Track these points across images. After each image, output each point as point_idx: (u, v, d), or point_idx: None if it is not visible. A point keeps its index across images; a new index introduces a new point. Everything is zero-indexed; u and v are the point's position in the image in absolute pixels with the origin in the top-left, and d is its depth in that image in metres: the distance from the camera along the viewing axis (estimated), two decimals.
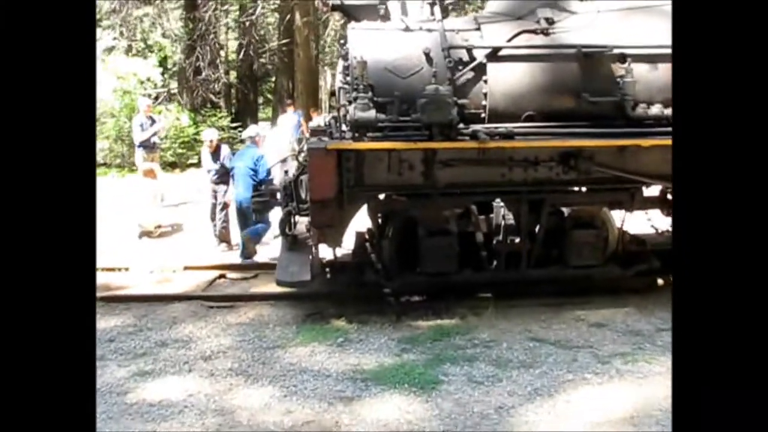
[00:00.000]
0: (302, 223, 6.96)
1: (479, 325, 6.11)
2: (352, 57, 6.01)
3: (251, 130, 9.24)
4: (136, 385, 4.91)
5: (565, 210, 6.58)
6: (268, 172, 8.50)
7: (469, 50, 6.23)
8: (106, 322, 6.45)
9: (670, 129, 5.89)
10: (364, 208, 6.51)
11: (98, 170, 16.79)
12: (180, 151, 17.03)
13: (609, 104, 6.22)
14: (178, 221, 11.27)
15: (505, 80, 6.22)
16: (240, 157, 8.79)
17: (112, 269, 8.32)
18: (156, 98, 17.64)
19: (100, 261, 8.47)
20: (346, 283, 7.20)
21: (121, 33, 18.03)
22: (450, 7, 7.21)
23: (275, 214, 7.51)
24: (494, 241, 6.48)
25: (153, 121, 13.25)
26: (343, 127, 6.12)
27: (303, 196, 6.41)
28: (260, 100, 26.86)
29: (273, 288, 6.92)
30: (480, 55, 6.20)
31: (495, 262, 6.58)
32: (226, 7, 20.23)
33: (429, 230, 6.35)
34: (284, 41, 20.54)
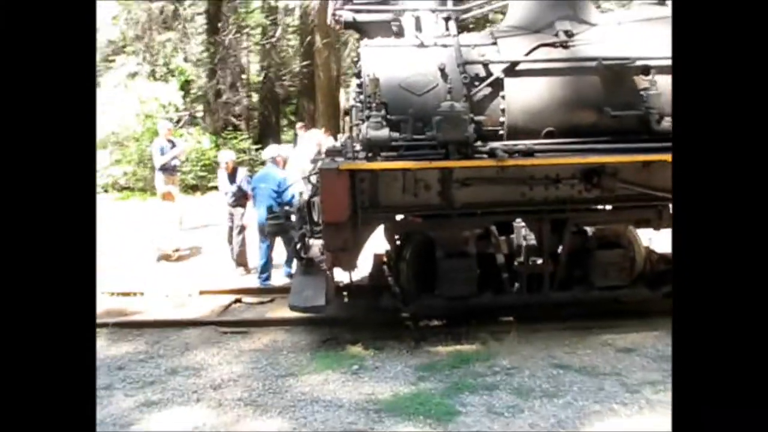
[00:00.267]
0: (317, 245, 6.78)
1: (500, 351, 5.85)
2: (365, 74, 5.86)
3: (272, 150, 9.08)
4: (140, 416, 4.73)
5: (589, 229, 6.34)
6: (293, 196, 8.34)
7: (485, 65, 6.05)
8: (117, 349, 6.32)
9: None
10: (380, 230, 6.32)
11: (120, 194, 16.89)
12: (201, 174, 16.99)
13: (633, 118, 5.97)
14: (197, 245, 11.16)
15: (523, 95, 6.02)
16: (263, 178, 8.59)
17: (128, 294, 8.21)
18: (178, 122, 17.69)
19: (117, 285, 8.44)
20: (363, 308, 7.02)
21: (144, 58, 18.17)
22: (470, 24, 7.03)
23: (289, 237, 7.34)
24: (515, 263, 6.26)
25: (173, 145, 13.29)
26: (357, 147, 5.95)
27: (316, 218, 6.23)
28: (284, 122, 26.96)
29: (289, 313, 6.72)
30: (497, 70, 6.02)
31: (516, 285, 6.34)
32: (246, 30, 20.32)
33: (447, 252, 6.14)
34: (305, 63, 20.57)
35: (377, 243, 6.93)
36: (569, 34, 6.19)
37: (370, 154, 5.65)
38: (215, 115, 18.82)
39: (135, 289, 8.38)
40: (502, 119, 6.04)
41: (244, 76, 20.73)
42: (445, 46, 6.16)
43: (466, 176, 5.88)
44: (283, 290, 7.93)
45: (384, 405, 4.78)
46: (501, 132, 6.05)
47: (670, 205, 6.38)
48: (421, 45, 6.16)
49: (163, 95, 16.82)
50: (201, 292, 8.18)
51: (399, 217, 6.24)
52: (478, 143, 5.79)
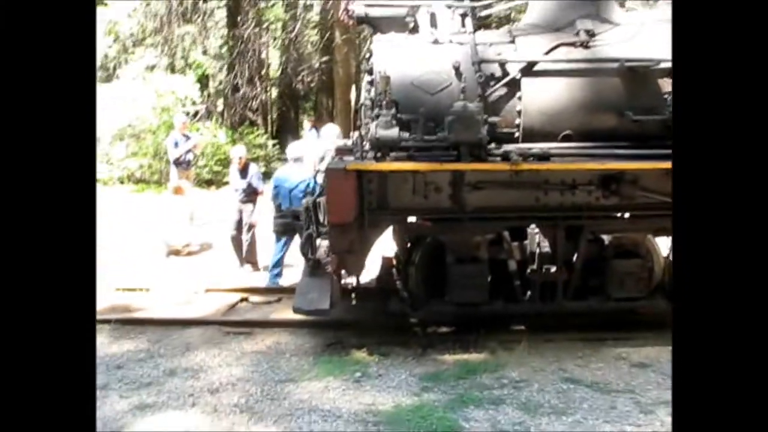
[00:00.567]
0: (324, 246, 6.60)
1: (509, 362, 5.63)
2: (376, 71, 5.66)
3: (296, 149, 8.83)
4: (133, 420, 4.58)
5: (606, 237, 6.09)
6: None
7: (502, 64, 5.82)
8: (118, 347, 6.19)
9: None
10: (389, 232, 6.12)
11: (136, 187, 16.87)
12: (216, 168, 16.92)
13: (655, 123, 5.72)
14: (208, 240, 11.04)
15: (540, 97, 5.79)
16: (288, 175, 8.23)
17: (133, 290, 8.09)
18: (194, 115, 17.64)
19: (124, 280, 8.34)
20: (370, 311, 6.83)
21: (163, 51, 18.13)
22: (492, 23, 6.79)
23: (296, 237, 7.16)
24: (528, 270, 6.02)
25: (188, 139, 13.20)
26: (366, 146, 5.75)
27: (321, 218, 6.05)
28: (302, 118, 26.90)
29: (294, 314, 6.56)
30: (514, 70, 5.79)
31: (529, 293, 6.11)
32: (266, 25, 20.21)
33: (458, 257, 5.93)
34: (324, 59, 20.42)
35: (386, 245, 6.77)
36: (591, 33, 5.94)
37: (379, 154, 5.45)
38: (232, 109, 18.73)
39: (142, 285, 8.27)
40: (517, 121, 5.82)
41: (263, 72, 20.61)
42: (460, 43, 5.94)
43: (479, 179, 5.66)
44: (291, 290, 7.74)
45: (384, 417, 4.58)
46: (516, 134, 5.83)
47: None
48: (436, 42, 5.95)
49: (180, 89, 16.77)
50: (207, 290, 8.04)
51: (410, 219, 6.05)
52: (492, 145, 5.57)
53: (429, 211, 5.82)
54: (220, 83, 20.69)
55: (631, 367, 5.56)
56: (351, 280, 6.80)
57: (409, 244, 6.25)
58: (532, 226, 5.95)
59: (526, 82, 5.78)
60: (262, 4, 20.27)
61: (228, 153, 17.12)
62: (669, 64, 5.70)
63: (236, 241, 9.22)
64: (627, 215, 6.16)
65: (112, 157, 16.69)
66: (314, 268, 6.53)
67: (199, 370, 5.58)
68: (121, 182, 16.83)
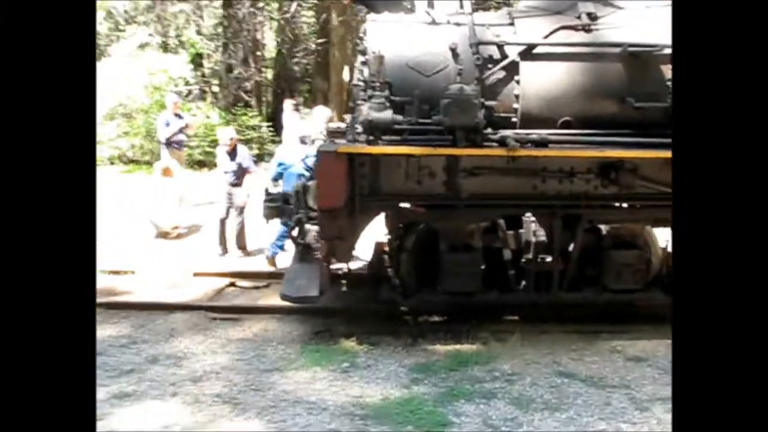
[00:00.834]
0: (314, 231, 6.42)
1: (502, 354, 5.48)
2: (370, 51, 5.46)
3: (302, 130, 8.57)
4: (110, 411, 4.40)
5: (603, 227, 5.94)
6: None
7: (500, 47, 5.62)
8: (101, 332, 5.99)
9: None
10: (381, 218, 5.95)
11: (126, 167, 16.60)
12: (208, 150, 16.62)
13: (657, 111, 5.53)
14: (198, 222, 10.82)
15: (540, 81, 5.60)
16: (293, 157, 8.01)
17: (118, 272, 7.90)
18: (187, 95, 17.34)
19: (110, 263, 8.13)
20: (360, 299, 6.68)
21: (156, 29, 17.78)
22: (492, 5, 6.55)
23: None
24: (523, 260, 5.88)
25: (180, 119, 12.94)
26: (358, 129, 5.56)
27: (311, 203, 5.85)
28: (298, 100, 26.60)
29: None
30: (513, 53, 5.59)
31: (523, 283, 5.97)
32: (262, 5, 19.82)
33: (451, 245, 5.77)
34: (320, 41, 20.10)
35: (380, 231, 6.60)
36: (593, 17, 5.74)
37: (371, 137, 5.26)
38: (226, 90, 18.41)
39: (128, 268, 8.08)
40: (515, 106, 5.62)
41: (257, 52, 20.27)
42: (457, 24, 5.74)
43: (474, 165, 5.48)
44: (280, 275, 7.56)
45: (372, 410, 4.43)
46: (514, 119, 5.63)
47: None
48: (432, 22, 5.74)
49: (172, 68, 16.45)
50: (195, 274, 7.85)
51: (402, 205, 5.86)
52: (489, 130, 5.38)
53: (422, 197, 5.65)
54: (215, 63, 20.35)
55: (627, 360, 5.43)
56: (341, 266, 6.64)
57: (401, 231, 6.07)
58: (528, 214, 5.79)
59: (525, 66, 5.59)
60: None
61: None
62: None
63: (223, 227, 8.98)
64: (625, 205, 5.98)
65: (102, 137, 16.40)
66: (303, 253, 6.34)
67: (183, 357, 5.42)
68: (111, 162, 16.52)
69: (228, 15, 18.71)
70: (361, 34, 6.19)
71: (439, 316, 6.33)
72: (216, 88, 19.60)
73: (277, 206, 6.71)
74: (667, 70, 5.58)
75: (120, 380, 4.92)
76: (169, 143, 12.49)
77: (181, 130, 12.85)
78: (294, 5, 19.33)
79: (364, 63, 5.78)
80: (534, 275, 5.91)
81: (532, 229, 5.80)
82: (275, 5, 21.24)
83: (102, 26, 17.11)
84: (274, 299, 6.93)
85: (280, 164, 8.18)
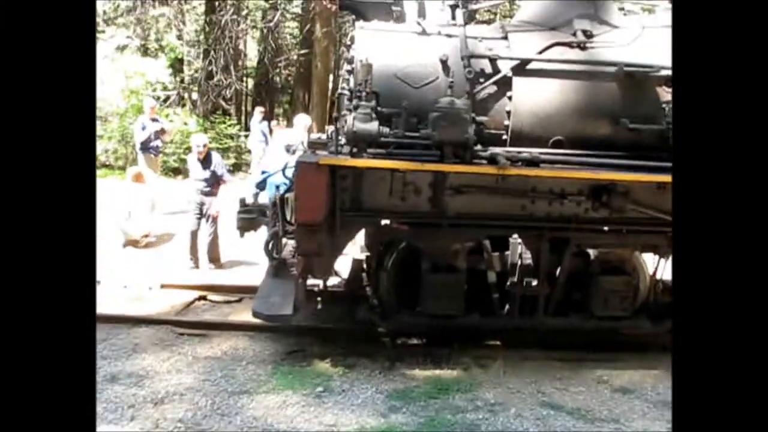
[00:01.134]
0: (291, 246, 6.13)
1: (484, 381, 5.22)
2: (357, 59, 5.21)
3: (286, 138, 8.26)
4: None
5: (592, 252, 5.73)
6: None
7: (493, 61, 5.41)
8: None
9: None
10: (360, 235, 5.67)
11: (99, 172, 16.12)
12: (184, 156, 16.21)
13: (652, 133, 5.36)
14: (170, 231, 10.44)
15: (532, 98, 5.39)
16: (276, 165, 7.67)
17: None
18: (165, 101, 16.97)
19: None
20: (336, 318, 6.38)
21: (135, 32, 17.41)
22: (489, 19, 6.34)
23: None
24: (508, 283, 5.65)
25: (157, 123, 12.58)
26: (341, 140, 5.29)
27: (289, 216, 5.57)
28: (278, 110, 26.30)
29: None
30: (505, 68, 5.38)
31: (507, 307, 5.73)
32: (245, 12, 19.58)
33: (434, 265, 5.51)
34: (303, 51, 19.89)
35: (357, 246, 6.32)
36: (588, 34, 5.56)
37: (355, 150, 4.99)
38: (205, 97, 18.07)
39: None
40: (506, 122, 5.41)
41: (239, 60, 19.99)
42: (449, 36, 5.52)
43: (462, 183, 5.24)
44: (252, 290, 7.26)
45: None
46: (504, 137, 5.41)
47: None
48: (423, 32, 5.52)
49: (150, 72, 16.09)
50: (163, 286, 7.50)
51: (384, 222, 5.60)
52: (478, 147, 5.15)
53: (406, 215, 5.38)
54: (196, 71, 20.02)
55: (614, 392, 5.20)
56: (317, 283, 6.34)
57: (381, 248, 5.80)
58: (515, 235, 5.57)
59: (518, 82, 5.38)
60: None
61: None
62: (669, 72, 5.35)
63: (194, 238, 8.61)
64: (617, 229, 5.77)
65: None
66: (278, 269, 6.06)
67: (145, 376, 5.07)
68: None
69: (210, 21, 18.44)
70: (348, 42, 5.95)
71: (418, 338, 6.07)
72: (195, 95, 19.25)
73: (253, 218, 6.42)
74: (663, 92, 5.43)
75: None
76: (145, 148, 12.15)
77: (157, 136, 12.52)
78: (277, 15, 19.11)
79: (350, 72, 5.53)
80: (519, 299, 5.68)
81: (519, 251, 5.59)
82: (259, 14, 21.03)
83: None
84: (245, 315, 6.59)
85: (263, 172, 7.88)
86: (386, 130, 5.00)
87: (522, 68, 5.39)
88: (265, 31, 19.51)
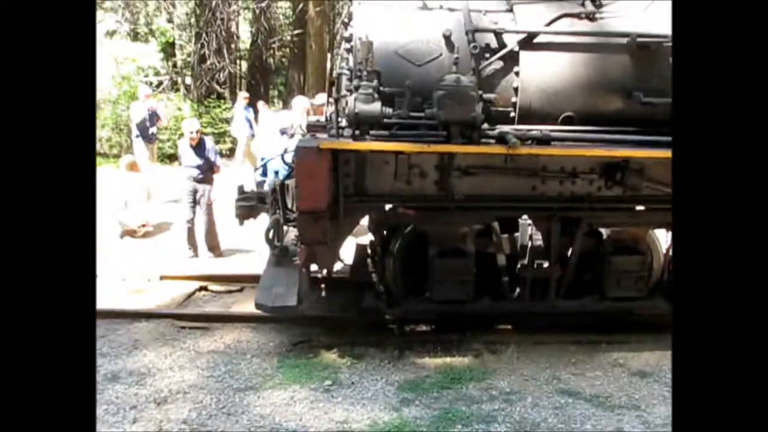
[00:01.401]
0: (293, 233, 5.91)
1: (498, 369, 5.06)
2: (356, 37, 4.96)
3: (281, 121, 8.02)
4: None
5: (604, 231, 5.52)
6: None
7: (498, 35, 5.16)
8: None
9: None
10: (365, 220, 5.47)
11: None
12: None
13: (666, 107, 5.11)
14: (168, 219, 10.21)
15: (540, 73, 5.15)
16: (274, 150, 7.46)
17: None
18: (158, 86, 16.65)
19: None
20: (342, 307, 6.20)
21: (124, 16, 17.03)
22: None
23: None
24: (518, 265, 5.47)
25: (153, 110, 12.38)
26: (343, 123, 5.06)
27: (290, 204, 5.35)
28: (273, 93, 25.91)
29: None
30: (512, 42, 5.13)
31: (518, 290, 5.56)
32: None
33: (441, 249, 5.32)
34: (296, 32, 19.50)
35: (361, 232, 6.14)
36: (597, 4, 5.30)
37: (357, 132, 4.76)
38: (198, 81, 17.72)
39: None
40: (514, 99, 5.17)
41: (232, 43, 19.58)
42: (451, 9, 5.26)
43: (470, 164, 5.03)
44: (255, 279, 7.07)
45: None
46: (512, 114, 5.18)
47: None
48: (424, 7, 5.26)
49: (141, 57, 15.76)
50: (162, 277, 7.30)
51: (388, 206, 5.40)
52: (485, 126, 4.92)
53: (412, 198, 5.18)
54: (188, 55, 19.64)
55: (631, 376, 5.04)
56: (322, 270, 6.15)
57: (387, 234, 5.60)
58: (525, 216, 5.37)
59: (525, 56, 5.13)
60: None
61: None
62: None
63: (191, 228, 8.39)
64: (628, 207, 5.58)
65: None
66: (280, 257, 5.84)
67: (146, 374, 4.89)
68: None
69: (201, 3, 18.03)
70: (345, 19, 5.69)
71: (427, 325, 5.90)
72: (188, 79, 18.90)
73: (252, 206, 6.19)
74: None
75: None
76: (143, 136, 11.97)
77: (153, 122, 12.32)
78: None
79: (349, 50, 5.28)
80: (529, 282, 5.51)
81: (529, 233, 5.40)
82: None
83: None
84: (248, 305, 6.40)
85: (262, 158, 7.66)
86: (389, 110, 4.78)
87: (529, 42, 5.14)
88: (257, 11, 19.07)
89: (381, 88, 4.81)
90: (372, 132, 4.80)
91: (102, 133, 16.18)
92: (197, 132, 8.23)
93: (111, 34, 16.56)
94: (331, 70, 5.80)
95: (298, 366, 5.05)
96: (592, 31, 5.20)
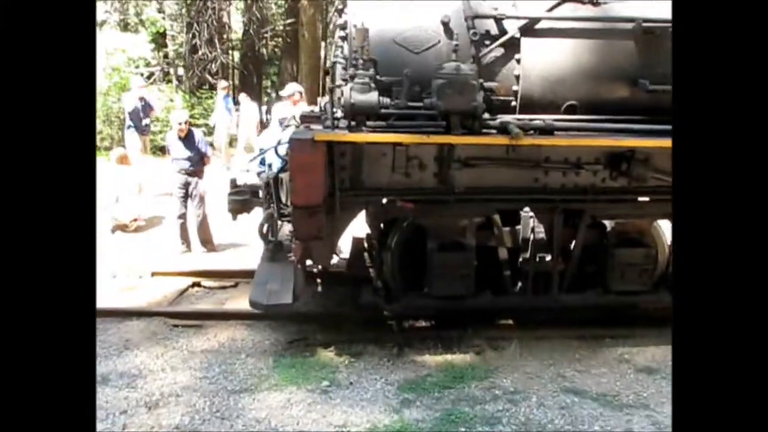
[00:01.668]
0: (288, 227, 5.74)
1: (500, 366, 4.91)
2: (351, 24, 4.77)
3: (280, 112, 7.81)
4: None
5: (608, 223, 5.36)
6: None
7: (498, 21, 4.97)
8: None
9: None
10: (362, 214, 5.30)
11: None
12: None
13: None
14: (160, 213, 10.01)
15: (542, 60, 4.98)
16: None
17: None
18: (149, 77, 16.40)
19: None
20: (339, 302, 6.04)
21: (113, 6, 16.73)
22: None
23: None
24: (520, 259, 5.32)
25: (145, 102, 12.18)
26: (338, 114, 4.88)
27: (284, 198, 5.17)
28: (266, 83, 25.66)
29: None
30: (512, 28, 4.95)
31: (520, 284, 5.41)
32: None
33: (441, 243, 5.16)
34: (289, 21, 19.25)
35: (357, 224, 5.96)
36: None
37: (353, 123, 4.58)
38: (190, 71, 17.48)
39: None
40: (515, 88, 5.00)
41: (223, 33, 19.32)
42: None
43: (471, 155, 4.85)
44: (249, 274, 6.91)
45: None
46: (513, 103, 5.01)
47: None
48: None
49: (132, 48, 15.49)
50: (154, 273, 7.12)
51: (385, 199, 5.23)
52: (486, 116, 4.75)
53: (410, 191, 5.00)
54: (180, 45, 19.36)
55: (638, 372, 4.90)
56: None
57: (384, 227, 5.43)
58: (527, 209, 5.21)
59: (527, 43, 4.95)
60: None
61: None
62: None
63: (183, 222, 8.20)
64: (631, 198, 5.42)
65: None
66: (274, 252, 5.68)
67: (138, 375, 4.72)
68: None
69: None
70: (340, 5, 5.49)
71: (426, 321, 5.75)
72: (180, 70, 18.66)
73: (245, 200, 6.02)
74: None
75: None
76: (136, 127, 11.80)
77: (146, 114, 12.14)
78: None
79: (344, 38, 5.10)
80: (532, 276, 5.36)
81: (531, 225, 5.24)
82: None
83: None
84: (242, 301, 6.24)
85: (260, 149, 7.45)
86: (386, 100, 4.60)
87: (530, 28, 4.96)
88: (249, 1, 18.82)
89: (378, 77, 4.63)
90: (369, 123, 4.62)
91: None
92: (186, 123, 8.03)
93: (101, 24, 16.26)
94: (325, 59, 5.61)
95: (294, 366, 4.89)
96: (596, 17, 5.03)
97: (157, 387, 4.53)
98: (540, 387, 4.58)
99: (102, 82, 15.48)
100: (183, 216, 8.13)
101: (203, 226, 8.25)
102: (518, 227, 5.27)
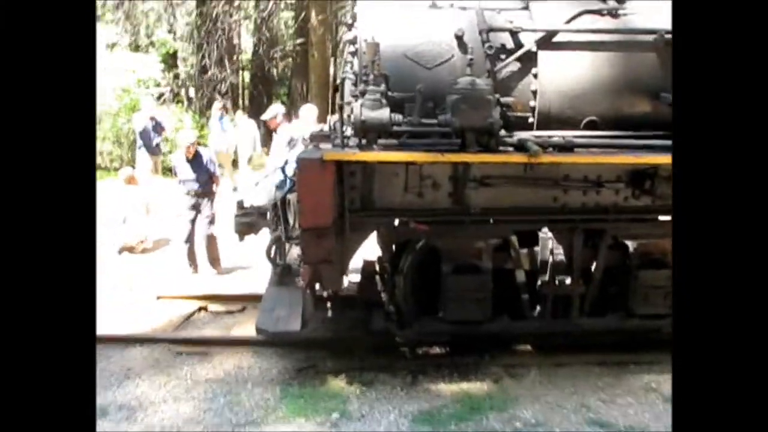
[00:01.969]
0: (296, 250, 5.54)
1: (519, 396, 4.67)
2: (362, 39, 4.60)
3: (289, 132, 7.71)
4: None
5: (631, 244, 5.12)
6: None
7: (514, 34, 4.79)
8: None
9: None
10: (373, 236, 5.09)
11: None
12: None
13: None
14: (167, 235, 9.84)
15: (561, 74, 4.78)
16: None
17: None
18: (159, 97, 16.39)
19: None
20: (349, 328, 5.81)
21: (124, 27, 16.78)
22: None
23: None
24: (538, 282, 5.09)
25: (156, 122, 12.14)
26: (348, 131, 4.69)
27: (291, 220, 4.98)
28: (276, 102, 25.74)
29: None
30: (529, 41, 4.77)
31: (538, 308, 5.17)
32: (237, 3, 18.88)
33: (456, 266, 4.93)
34: (299, 41, 19.22)
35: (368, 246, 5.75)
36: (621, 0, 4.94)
37: (363, 141, 4.39)
38: (200, 92, 17.44)
39: None
40: (532, 103, 4.80)
41: (233, 54, 19.34)
42: (463, 8, 4.91)
43: (487, 174, 4.64)
44: (257, 298, 6.70)
45: None
46: (531, 120, 4.81)
47: None
48: (434, 6, 4.91)
49: (142, 69, 15.48)
50: (159, 297, 6.93)
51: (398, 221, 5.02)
52: (503, 132, 4.54)
53: (424, 212, 4.79)
54: (191, 67, 19.39)
55: (666, 402, 4.65)
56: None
57: (396, 250, 5.21)
58: (545, 229, 4.98)
59: (544, 56, 4.76)
60: None
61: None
62: None
63: (191, 245, 8.02)
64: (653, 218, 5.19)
65: None
66: (282, 276, 5.49)
67: (138, 407, 4.51)
68: None
69: (201, 13, 17.79)
70: (349, 20, 5.33)
71: (441, 348, 5.51)
72: (190, 91, 18.65)
73: (251, 222, 5.82)
74: None
75: None
76: (147, 147, 11.77)
77: (158, 132, 12.12)
78: (271, 4, 18.44)
79: (354, 53, 4.92)
80: (551, 299, 5.12)
81: (549, 246, 5.00)
82: (251, 4, 20.35)
83: None
84: (249, 327, 6.02)
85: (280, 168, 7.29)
86: (399, 117, 4.41)
87: (547, 41, 4.77)
88: (258, 21, 18.83)
89: (389, 94, 4.44)
90: (380, 141, 4.43)
91: (103, 146, 15.88)
92: (193, 144, 7.87)
93: (111, 46, 16.31)
94: (335, 76, 5.44)
95: (302, 396, 4.67)
96: (615, 29, 4.83)
97: (158, 420, 4.33)
98: (563, 418, 4.33)
99: (112, 103, 15.49)
100: (190, 239, 7.95)
101: (211, 246, 8.06)
102: (536, 249, 5.05)
